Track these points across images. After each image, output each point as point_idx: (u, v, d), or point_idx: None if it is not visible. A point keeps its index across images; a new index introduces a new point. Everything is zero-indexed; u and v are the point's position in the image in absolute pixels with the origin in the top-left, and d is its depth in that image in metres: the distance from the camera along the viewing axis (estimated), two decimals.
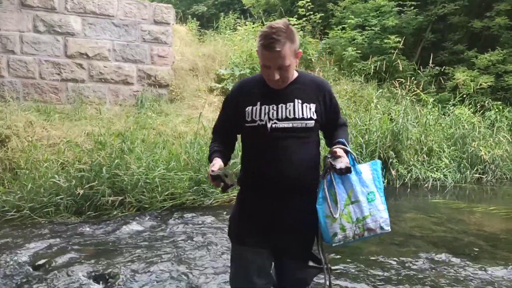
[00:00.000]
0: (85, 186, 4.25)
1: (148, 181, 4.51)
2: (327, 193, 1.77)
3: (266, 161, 1.82)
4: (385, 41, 9.02)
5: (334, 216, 1.74)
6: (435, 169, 6.34)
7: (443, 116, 7.50)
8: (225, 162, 1.90)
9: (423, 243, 3.79)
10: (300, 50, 1.81)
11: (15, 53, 6.45)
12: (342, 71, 8.95)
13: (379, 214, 1.82)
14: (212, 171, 1.76)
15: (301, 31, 9.69)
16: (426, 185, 6.09)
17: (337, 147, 1.81)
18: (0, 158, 4.95)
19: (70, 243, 3.52)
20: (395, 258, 3.35)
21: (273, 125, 1.80)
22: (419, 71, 8.87)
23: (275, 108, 1.82)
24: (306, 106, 1.83)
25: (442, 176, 6.25)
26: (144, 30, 7.21)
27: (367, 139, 6.23)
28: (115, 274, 2.91)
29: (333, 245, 1.81)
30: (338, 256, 3.34)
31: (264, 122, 1.81)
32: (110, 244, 3.55)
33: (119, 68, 7.08)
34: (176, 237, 3.74)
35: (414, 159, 6.29)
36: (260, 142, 1.84)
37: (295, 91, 1.85)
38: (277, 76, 1.75)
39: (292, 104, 1.82)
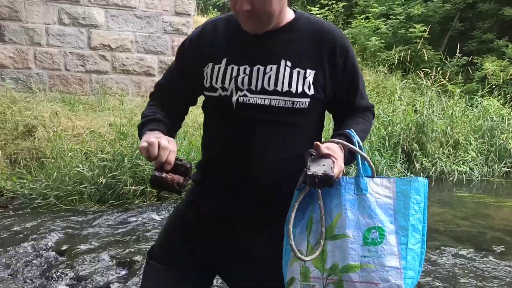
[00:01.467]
0: (108, 176, 4.33)
1: None
2: (293, 213, 1.06)
3: (228, 154, 1.17)
4: (411, 30, 8.79)
5: (297, 255, 1.03)
6: (461, 162, 6.15)
7: (470, 107, 7.25)
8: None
9: (447, 237, 3.69)
10: None
11: (41, 45, 6.60)
12: (365, 62, 8.78)
13: (383, 274, 0.99)
14: (178, 159, 1.13)
15: None
16: (451, 178, 5.91)
17: (330, 141, 1.09)
18: (27, 148, 5.11)
19: (93, 230, 3.61)
20: None
21: (241, 99, 1.12)
22: (445, 61, 8.58)
23: (247, 70, 1.13)
24: (298, 72, 1.11)
25: (468, 169, 6.06)
26: (166, 21, 7.25)
27: (390, 131, 6.10)
28: (136, 261, 2.97)
29: None
30: None
31: (228, 93, 1.13)
32: (131, 232, 3.61)
33: (141, 60, 7.16)
34: None
35: (439, 152, 6.12)
36: (221, 123, 1.18)
37: (285, 44, 1.14)
38: (246, 6, 1.05)
39: (275, 66, 1.12)
